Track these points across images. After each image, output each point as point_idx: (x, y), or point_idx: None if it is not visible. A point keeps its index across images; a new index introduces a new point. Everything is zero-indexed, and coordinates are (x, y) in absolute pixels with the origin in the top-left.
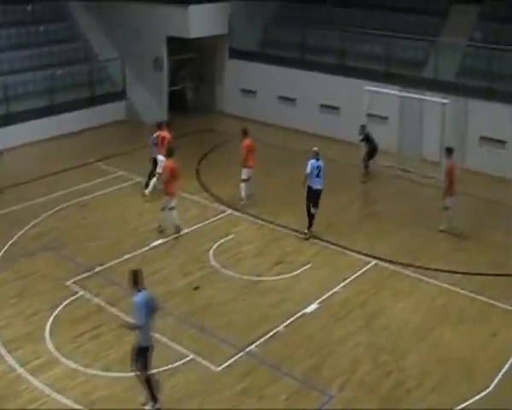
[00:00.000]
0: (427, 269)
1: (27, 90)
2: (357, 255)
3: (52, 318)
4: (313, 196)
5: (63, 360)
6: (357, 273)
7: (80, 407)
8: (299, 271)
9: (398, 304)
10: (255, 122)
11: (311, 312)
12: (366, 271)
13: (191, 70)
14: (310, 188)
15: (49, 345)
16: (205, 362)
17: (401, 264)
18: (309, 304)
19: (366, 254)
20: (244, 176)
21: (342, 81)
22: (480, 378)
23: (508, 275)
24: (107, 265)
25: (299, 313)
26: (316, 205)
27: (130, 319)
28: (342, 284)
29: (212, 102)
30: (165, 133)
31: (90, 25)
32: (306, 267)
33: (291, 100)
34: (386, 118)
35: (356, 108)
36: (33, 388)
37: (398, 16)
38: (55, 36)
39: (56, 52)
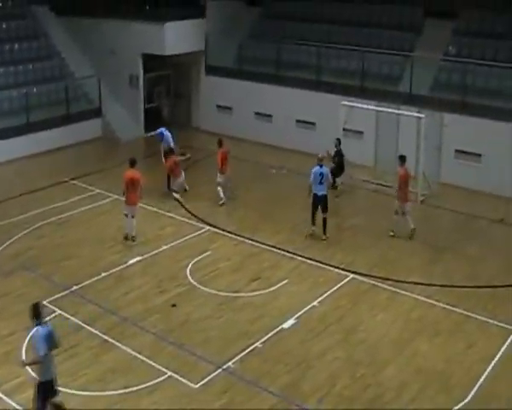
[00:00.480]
0: (403, 282)
1: (3, 109)
2: (335, 270)
3: (28, 338)
4: (320, 203)
5: None
6: (335, 288)
7: None
8: (276, 286)
9: (376, 317)
10: (231, 138)
11: (289, 327)
12: (343, 285)
13: (167, 87)
14: (315, 195)
15: (27, 366)
16: (183, 379)
17: (378, 277)
18: (286, 319)
19: (343, 269)
20: (219, 179)
21: (318, 96)
22: (458, 390)
23: (483, 287)
24: (84, 283)
25: (277, 329)
26: (325, 211)
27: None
28: (320, 299)
29: (188, 119)
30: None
31: (66, 42)
32: (284, 283)
33: (267, 116)
34: (362, 132)
35: (332, 123)
36: (10, 408)
37: (373, 32)
38: (30, 54)
39: (32, 70)
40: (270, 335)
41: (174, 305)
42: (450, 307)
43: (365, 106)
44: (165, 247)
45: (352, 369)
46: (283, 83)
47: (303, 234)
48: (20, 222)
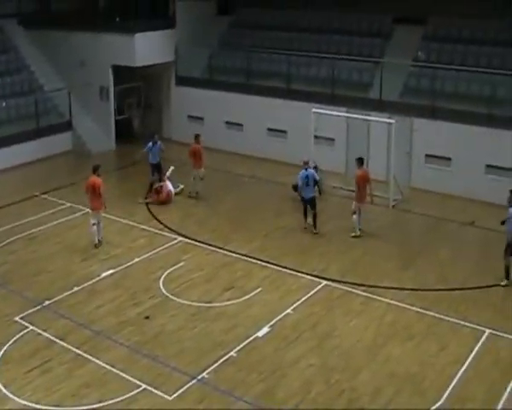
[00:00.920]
0: (376, 287)
1: None
2: (308, 277)
3: (0, 355)
4: (309, 204)
5: (12, 397)
6: (308, 295)
7: None
8: (249, 295)
9: (349, 323)
10: (203, 148)
11: (263, 335)
12: (317, 292)
13: (138, 98)
14: (303, 198)
15: None
16: (158, 392)
17: (351, 283)
18: (260, 328)
19: (316, 276)
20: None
21: (289, 105)
22: (431, 392)
23: (455, 289)
24: (57, 298)
25: (251, 338)
26: (314, 209)
27: None
28: (293, 307)
29: (159, 130)
30: None
31: (35, 56)
32: (257, 291)
33: (238, 125)
34: (333, 139)
35: (303, 130)
36: None
37: (342, 39)
38: None
39: (1, 84)
40: (244, 344)
41: (147, 317)
42: (423, 311)
43: (336, 113)
44: (137, 259)
45: (326, 375)
46: (254, 92)
47: (275, 242)
48: None
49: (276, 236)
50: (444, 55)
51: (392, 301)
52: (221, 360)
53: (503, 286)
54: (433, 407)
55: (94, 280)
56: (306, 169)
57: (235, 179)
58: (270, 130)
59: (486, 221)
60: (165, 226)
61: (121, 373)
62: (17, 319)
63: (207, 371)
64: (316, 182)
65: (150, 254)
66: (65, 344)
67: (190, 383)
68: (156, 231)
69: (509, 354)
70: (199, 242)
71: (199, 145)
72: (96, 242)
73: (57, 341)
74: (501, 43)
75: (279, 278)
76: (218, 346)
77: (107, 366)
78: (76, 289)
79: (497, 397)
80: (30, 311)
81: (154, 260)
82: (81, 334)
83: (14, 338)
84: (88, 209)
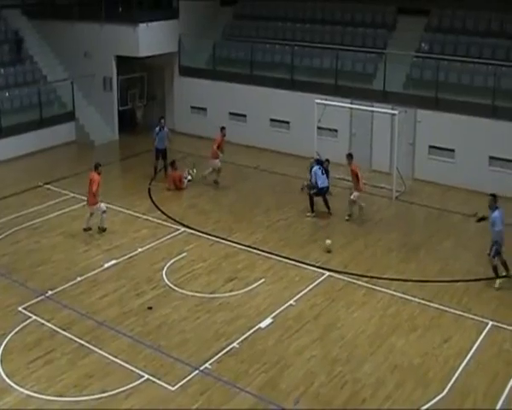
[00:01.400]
0: (379, 279)
1: None
2: (311, 268)
3: (3, 345)
4: (323, 193)
5: (16, 387)
6: (311, 286)
7: None
8: (252, 286)
9: (352, 315)
10: (206, 139)
11: (266, 327)
12: (319, 283)
13: (141, 89)
14: (320, 189)
15: (1, 373)
16: (160, 382)
17: (354, 275)
18: (263, 319)
19: (319, 267)
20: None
21: (292, 95)
22: (434, 384)
23: (457, 281)
24: (60, 288)
25: (254, 329)
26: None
27: None
28: (296, 298)
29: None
30: None
31: (38, 46)
32: (260, 283)
33: (241, 116)
34: (336, 130)
35: (306, 121)
36: None
37: (346, 30)
38: (2, 58)
39: (4, 74)
40: (246, 335)
41: (150, 308)
42: (426, 303)
43: (339, 104)
44: (140, 249)
45: (329, 366)
46: (257, 82)
47: (278, 233)
48: None
49: (279, 227)
50: (447, 46)
51: (395, 293)
52: (224, 351)
53: (497, 288)
54: (436, 399)
55: (97, 270)
56: (318, 164)
57: (238, 170)
58: (273, 121)
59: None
60: (169, 217)
61: (124, 364)
62: (20, 309)
63: (210, 361)
64: (327, 172)
65: (153, 244)
66: (68, 334)
67: (193, 374)
68: (159, 221)
69: None
70: (202, 233)
71: (223, 137)
72: (85, 227)
73: (60, 331)
74: (505, 34)
75: (282, 270)
76: (220, 337)
77: (110, 357)
78: (79, 279)
79: (500, 389)
80: (33, 301)
81: (157, 251)
82: (84, 324)
83: (17, 328)
84: None
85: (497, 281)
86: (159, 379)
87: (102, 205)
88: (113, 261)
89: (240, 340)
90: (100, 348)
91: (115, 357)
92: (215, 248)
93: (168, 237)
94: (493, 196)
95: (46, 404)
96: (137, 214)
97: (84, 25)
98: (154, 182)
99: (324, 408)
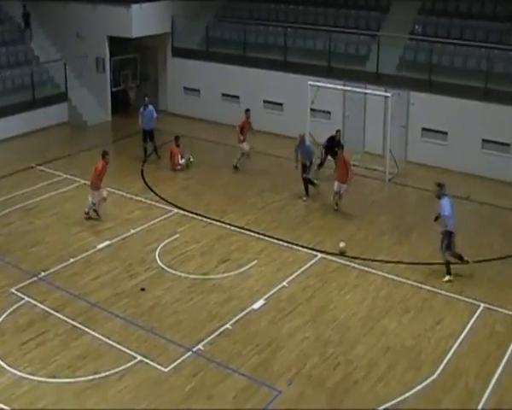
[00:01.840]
0: (372, 261)
1: None
2: (304, 250)
3: None
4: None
5: (8, 369)
6: (304, 268)
7: None
8: (245, 268)
9: (345, 296)
10: (199, 120)
11: (259, 308)
12: (312, 265)
13: (134, 70)
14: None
15: None
16: (153, 363)
17: (347, 257)
18: (256, 300)
19: (312, 249)
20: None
21: (285, 77)
22: (426, 366)
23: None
24: (52, 270)
25: (247, 310)
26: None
27: None
28: (289, 279)
29: (155, 102)
30: None
31: (31, 26)
32: (252, 264)
33: (234, 97)
34: (329, 112)
35: (299, 103)
36: None
37: (339, 11)
38: None
39: None
40: (239, 316)
41: (143, 289)
42: (418, 285)
43: (332, 86)
44: (133, 231)
45: (321, 348)
46: (250, 64)
47: (271, 215)
48: None
49: (272, 209)
50: (441, 28)
51: (387, 275)
52: (216, 333)
53: (446, 282)
54: (428, 380)
55: (90, 252)
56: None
57: (230, 152)
58: (266, 102)
59: (482, 196)
60: (161, 198)
61: (117, 345)
62: (13, 290)
63: (203, 343)
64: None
65: (146, 226)
66: (61, 316)
67: (186, 355)
68: (152, 202)
69: (504, 328)
70: (195, 214)
71: (248, 120)
72: (86, 210)
73: (53, 312)
74: (498, 17)
75: (275, 251)
76: (213, 318)
77: (103, 338)
78: (72, 260)
79: (492, 371)
80: (26, 282)
81: (150, 232)
82: (77, 306)
83: (10, 310)
84: (85, 181)
85: (446, 277)
86: (152, 361)
87: (104, 192)
88: (107, 242)
89: (233, 321)
90: (93, 330)
91: (108, 338)
92: (208, 229)
93: (161, 218)
94: (440, 184)
95: (39, 385)
96: (130, 196)
97: (76, 5)
98: (147, 164)
99: (317, 389)
